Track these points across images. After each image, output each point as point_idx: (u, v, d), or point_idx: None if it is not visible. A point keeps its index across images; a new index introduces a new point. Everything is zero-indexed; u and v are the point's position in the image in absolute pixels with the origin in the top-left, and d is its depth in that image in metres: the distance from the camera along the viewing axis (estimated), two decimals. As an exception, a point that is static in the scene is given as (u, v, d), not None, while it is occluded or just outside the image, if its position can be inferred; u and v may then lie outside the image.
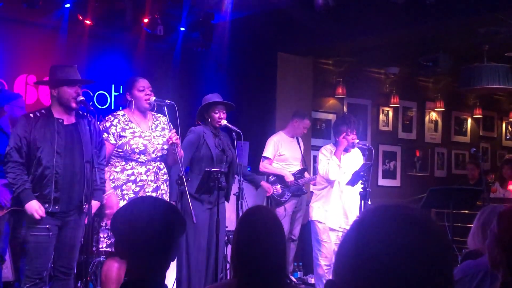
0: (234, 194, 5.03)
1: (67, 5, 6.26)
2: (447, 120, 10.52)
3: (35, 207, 3.95)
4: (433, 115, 10.30)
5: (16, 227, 4.82)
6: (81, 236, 4.22)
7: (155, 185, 4.59)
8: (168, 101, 4.59)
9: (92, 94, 7.11)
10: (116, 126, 4.52)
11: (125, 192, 4.49)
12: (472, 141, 10.83)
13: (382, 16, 6.47)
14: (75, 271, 4.44)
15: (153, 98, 4.61)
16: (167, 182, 4.73)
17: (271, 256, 2.33)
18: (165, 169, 4.73)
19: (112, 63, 7.04)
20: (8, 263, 5.38)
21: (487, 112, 11.07)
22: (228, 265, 5.37)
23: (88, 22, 6.38)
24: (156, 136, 4.64)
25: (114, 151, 4.52)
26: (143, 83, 4.64)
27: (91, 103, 5.50)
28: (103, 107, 7.18)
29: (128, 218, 1.94)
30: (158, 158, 4.64)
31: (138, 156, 4.52)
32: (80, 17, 6.35)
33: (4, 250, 5.19)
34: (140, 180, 4.52)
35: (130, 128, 4.56)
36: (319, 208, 5.68)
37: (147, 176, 4.55)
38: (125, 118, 4.59)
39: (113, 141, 4.48)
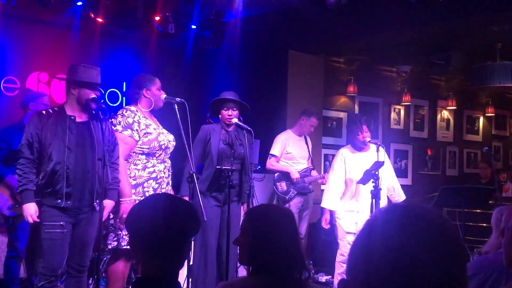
0: (245, 192, 5.02)
1: (79, 3, 6.28)
2: (459, 118, 10.46)
3: (30, 211, 3.95)
4: (445, 114, 10.24)
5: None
6: (94, 234, 4.21)
7: (166, 180, 4.61)
8: (179, 99, 4.54)
9: (103, 92, 7.12)
10: (139, 122, 4.48)
11: (146, 189, 4.46)
12: (484, 140, 10.77)
13: (394, 14, 6.44)
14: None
15: (163, 96, 4.60)
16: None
17: (285, 247, 2.31)
18: None
19: (123, 61, 7.06)
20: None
21: (500, 111, 11.01)
22: (238, 264, 5.36)
23: (99, 20, 6.40)
24: (166, 133, 4.66)
25: (137, 148, 4.45)
26: (159, 83, 4.67)
27: (102, 101, 5.51)
28: (114, 105, 7.22)
29: (143, 215, 1.95)
30: (169, 155, 4.68)
31: (160, 152, 4.52)
32: (92, 15, 6.36)
33: (23, 247, 5.23)
34: (160, 177, 4.53)
35: (150, 124, 4.55)
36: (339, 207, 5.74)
37: (164, 173, 4.58)
38: (141, 115, 4.56)
39: (137, 138, 4.43)
